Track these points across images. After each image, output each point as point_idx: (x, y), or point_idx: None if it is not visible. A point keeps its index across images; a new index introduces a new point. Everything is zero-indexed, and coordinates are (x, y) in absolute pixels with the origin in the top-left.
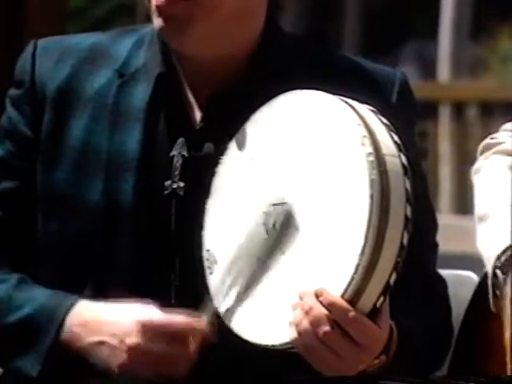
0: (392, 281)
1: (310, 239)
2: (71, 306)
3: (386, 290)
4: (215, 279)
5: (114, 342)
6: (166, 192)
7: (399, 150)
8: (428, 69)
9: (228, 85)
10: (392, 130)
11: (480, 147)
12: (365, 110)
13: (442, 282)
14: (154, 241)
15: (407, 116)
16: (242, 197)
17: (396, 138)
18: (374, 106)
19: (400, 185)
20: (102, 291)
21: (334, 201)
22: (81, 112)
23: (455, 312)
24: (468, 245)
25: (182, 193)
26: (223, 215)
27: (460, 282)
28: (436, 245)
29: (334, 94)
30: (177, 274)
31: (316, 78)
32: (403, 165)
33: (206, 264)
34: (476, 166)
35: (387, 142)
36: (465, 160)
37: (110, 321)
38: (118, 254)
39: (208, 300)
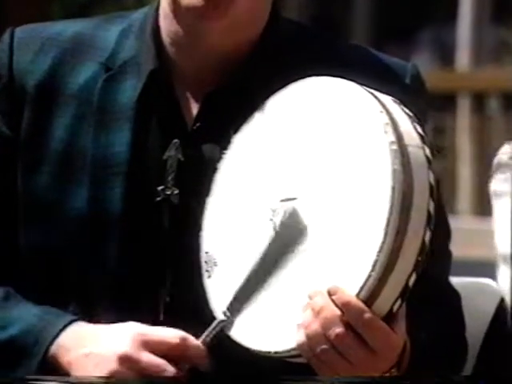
0: (411, 283)
1: (323, 235)
2: (59, 332)
3: (404, 292)
4: (214, 283)
5: (102, 350)
6: (158, 199)
7: (423, 141)
8: (445, 56)
9: (227, 80)
10: (415, 121)
11: (495, 161)
12: (385, 98)
13: (454, 294)
14: (144, 253)
15: (419, 112)
16: (246, 193)
17: (419, 128)
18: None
19: (424, 178)
20: (87, 307)
21: (350, 193)
22: (63, 110)
23: (473, 323)
24: (488, 250)
25: (175, 200)
26: (224, 214)
27: (478, 291)
28: (449, 254)
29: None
30: (167, 289)
31: (321, 70)
32: (427, 157)
33: (204, 267)
34: (496, 186)
35: (410, 132)
36: (486, 158)
37: (100, 336)
38: (104, 267)
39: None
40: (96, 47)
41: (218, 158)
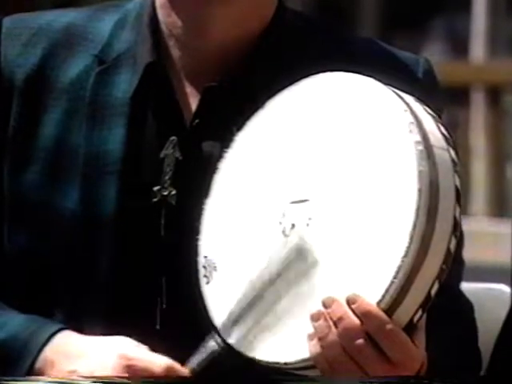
0: (433, 292)
1: (340, 240)
2: (47, 341)
3: (426, 302)
4: (213, 289)
5: (86, 371)
6: (154, 200)
7: (447, 143)
8: (459, 47)
9: (228, 74)
10: (438, 122)
11: None
12: (408, 97)
13: (467, 304)
14: (139, 257)
15: (432, 108)
16: (250, 194)
17: (443, 129)
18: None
19: (450, 181)
20: (76, 315)
21: (372, 195)
22: (54, 105)
23: (486, 331)
24: (503, 254)
25: (173, 201)
26: (225, 216)
27: (491, 298)
28: (462, 260)
29: None
30: (163, 296)
31: (328, 65)
32: (453, 160)
33: (203, 272)
34: None
35: (435, 132)
36: (501, 155)
37: (86, 353)
38: (95, 273)
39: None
40: (89, 39)
41: (219, 157)
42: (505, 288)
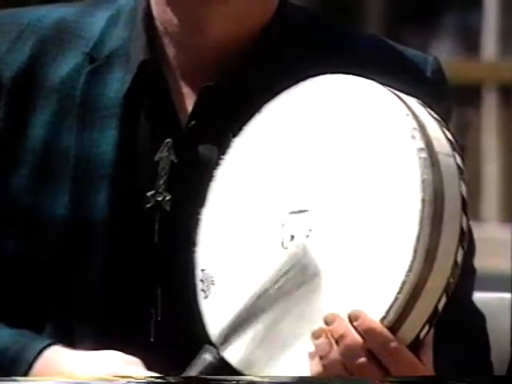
0: (441, 306)
1: (341, 253)
2: (36, 357)
3: (433, 317)
4: (211, 304)
5: None
6: (148, 205)
7: (453, 148)
8: (470, 44)
9: (225, 74)
10: (444, 126)
11: None
12: (411, 100)
13: (478, 315)
14: (132, 266)
15: (440, 110)
16: (248, 204)
17: (449, 134)
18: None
19: (455, 190)
20: (66, 325)
21: (373, 205)
22: (43, 105)
23: (498, 343)
24: None
25: (167, 206)
26: (222, 227)
27: (504, 308)
28: (473, 270)
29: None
30: (158, 306)
31: (332, 65)
32: (458, 166)
33: (200, 286)
34: None
35: (440, 138)
36: None
37: (75, 370)
38: (86, 281)
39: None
40: (80, 35)
41: (216, 160)
42: None
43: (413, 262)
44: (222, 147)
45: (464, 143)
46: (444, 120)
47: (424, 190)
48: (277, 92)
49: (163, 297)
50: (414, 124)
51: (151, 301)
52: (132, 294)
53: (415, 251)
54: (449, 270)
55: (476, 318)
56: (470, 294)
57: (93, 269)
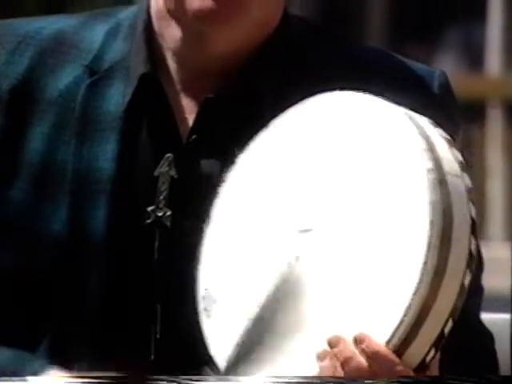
0: (447, 330)
1: (347, 273)
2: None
3: (440, 341)
4: (214, 324)
5: None
6: (148, 221)
7: (462, 169)
8: (474, 59)
9: (227, 86)
10: (453, 146)
11: None
12: (421, 118)
13: (487, 335)
14: (131, 282)
15: (448, 126)
16: (253, 222)
17: (459, 155)
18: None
19: (464, 212)
20: (63, 342)
21: (381, 226)
22: (41, 118)
23: (506, 365)
24: None
25: (168, 222)
26: (225, 244)
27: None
28: (481, 288)
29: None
30: (158, 324)
31: (337, 79)
32: (468, 187)
33: (202, 305)
34: None
35: (449, 158)
36: None
37: None
38: (84, 299)
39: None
40: (79, 48)
41: (217, 175)
42: None
43: (419, 284)
44: (224, 162)
45: (469, 160)
46: (453, 139)
47: (432, 211)
48: (280, 105)
49: (163, 314)
50: (424, 145)
51: (151, 318)
52: (131, 311)
53: (422, 274)
54: (456, 293)
55: (484, 337)
56: (477, 314)
57: (91, 285)
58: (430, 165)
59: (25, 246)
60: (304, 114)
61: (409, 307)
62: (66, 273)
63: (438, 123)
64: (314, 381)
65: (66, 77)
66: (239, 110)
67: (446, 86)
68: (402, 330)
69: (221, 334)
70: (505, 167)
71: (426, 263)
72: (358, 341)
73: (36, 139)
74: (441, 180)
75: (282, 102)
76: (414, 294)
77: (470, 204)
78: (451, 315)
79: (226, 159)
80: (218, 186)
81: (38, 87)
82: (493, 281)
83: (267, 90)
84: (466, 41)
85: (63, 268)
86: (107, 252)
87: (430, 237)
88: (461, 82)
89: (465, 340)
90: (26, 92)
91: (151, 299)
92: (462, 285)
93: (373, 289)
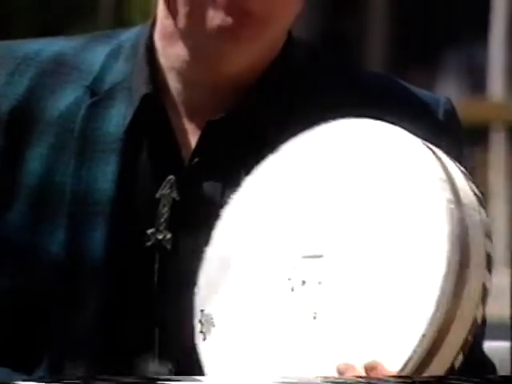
0: (457, 364)
1: (355, 301)
2: None
3: (449, 373)
4: (210, 346)
5: None
6: (148, 243)
7: (480, 203)
8: (475, 82)
9: (231, 109)
10: (470, 179)
11: None
12: (438, 150)
13: (490, 366)
14: (130, 305)
15: (453, 153)
16: (256, 246)
17: (475, 189)
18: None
19: (481, 246)
20: (61, 365)
21: (396, 255)
22: (40, 139)
23: None
24: None
25: (168, 245)
26: (226, 268)
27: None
28: (484, 320)
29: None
30: (156, 348)
31: (342, 101)
32: (485, 223)
33: (199, 328)
34: None
35: (467, 191)
36: None
37: None
38: (81, 321)
39: None
40: (80, 69)
41: (219, 198)
42: None
43: (435, 315)
44: (226, 185)
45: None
46: (470, 174)
47: (450, 243)
48: (284, 128)
49: (161, 340)
50: (443, 175)
51: (149, 342)
52: (129, 334)
53: (438, 304)
54: (468, 326)
55: (486, 367)
56: (481, 345)
57: (88, 308)
58: (449, 195)
59: (23, 268)
60: (316, 140)
61: (423, 338)
62: (64, 295)
63: (445, 151)
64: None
65: (66, 98)
66: (242, 132)
67: (451, 112)
68: (414, 360)
69: (218, 358)
70: (507, 191)
71: (442, 294)
72: (368, 368)
73: (35, 160)
74: (459, 211)
75: (286, 126)
76: (429, 324)
77: (487, 240)
78: (462, 349)
79: (228, 182)
80: (220, 208)
81: (38, 108)
82: (494, 308)
83: (271, 113)
84: (467, 63)
85: (61, 290)
86: (106, 274)
87: (448, 268)
88: (463, 105)
89: (467, 370)
90: (25, 113)
91: (149, 322)
92: (475, 318)
93: (386, 317)
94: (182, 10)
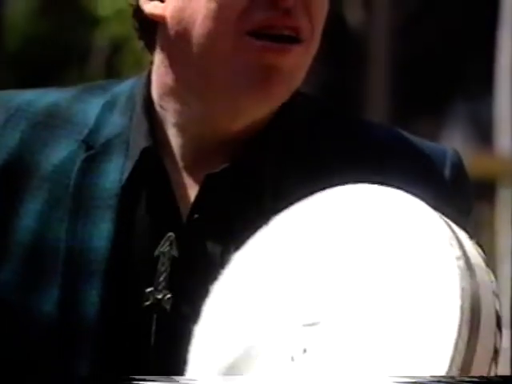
0: None
1: (361, 368)
2: None
3: None
4: None
5: None
6: (146, 303)
7: (486, 265)
8: (482, 135)
9: (231, 163)
10: (474, 242)
11: None
12: (442, 215)
13: None
14: (125, 368)
15: (460, 209)
16: (255, 311)
17: (481, 251)
18: (417, 197)
19: (491, 305)
20: None
21: (405, 315)
22: (33, 194)
23: None
24: None
25: (167, 306)
26: (222, 334)
27: None
28: None
29: (365, 179)
30: None
31: (345, 157)
32: (492, 281)
33: None
34: None
35: (474, 252)
36: None
37: None
38: (75, 382)
39: None
40: (74, 122)
41: (220, 256)
42: None
43: (450, 369)
44: (226, 241)
45: (477, 241)
46: (467, 219)
47: (463, 298)
48: (284, 184)
49: None
50: (451, 233)
51: None
52: None
53: (451, 365)
54: None
55: None
56: None
57: (81, 368)
58: (459, 252)
59: (14, 328)
60: (318, 205)
61: None
62: (56, 356)
63: (439, 198)
64: None
65: (60, 152)
66: (241, 187)
67: (459, 166)
68: None
69: None
70: None
71: (454, 354)
72: None
73: (28, 217)
74: (469, 268)
75: (286, 182)
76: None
77: (496, 298)
78: None
79: (229, 238)
80: (221, 267)
81: (31, 162)
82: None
83: (271, 168)
84: (473, 116)
85: (53, 351)
86: (100, 335)
87: (460, 329)
88: (469, 159)
89: None
90: (18, 167)
91: None
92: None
93: (396, 380)
94: (194, 70)
